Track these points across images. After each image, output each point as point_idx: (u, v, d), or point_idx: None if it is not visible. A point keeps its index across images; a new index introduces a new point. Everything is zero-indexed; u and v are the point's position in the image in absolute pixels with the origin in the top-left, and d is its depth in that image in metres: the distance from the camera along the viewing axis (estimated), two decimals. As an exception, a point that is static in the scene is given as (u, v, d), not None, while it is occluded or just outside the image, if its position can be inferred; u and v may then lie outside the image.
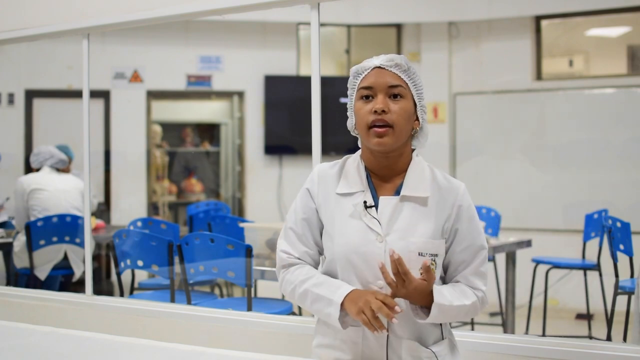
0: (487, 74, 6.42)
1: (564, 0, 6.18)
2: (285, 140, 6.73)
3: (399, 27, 6.96)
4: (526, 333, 4.51)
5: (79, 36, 3.37)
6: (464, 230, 1.76)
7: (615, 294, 3.64)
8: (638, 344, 2.33)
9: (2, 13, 3.59)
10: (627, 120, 5.76)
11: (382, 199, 1.75)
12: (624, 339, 3.56)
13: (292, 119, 6.67)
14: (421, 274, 1.63)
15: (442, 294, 1.68)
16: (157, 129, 7.15)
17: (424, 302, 1.67)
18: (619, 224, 3.78)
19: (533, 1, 6.23)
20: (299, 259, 1.82)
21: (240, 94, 6.92)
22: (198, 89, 6.82)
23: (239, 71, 6.82)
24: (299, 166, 6.66)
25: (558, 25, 6.56)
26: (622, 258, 3.76)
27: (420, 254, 1.70)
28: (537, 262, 4.70)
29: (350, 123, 1.84)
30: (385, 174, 1.79)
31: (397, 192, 1.76)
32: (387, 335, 1.72)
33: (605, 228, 3.91)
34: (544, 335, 4.42)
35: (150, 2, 3.13)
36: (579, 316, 5.32)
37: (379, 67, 1.76)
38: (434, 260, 1.72)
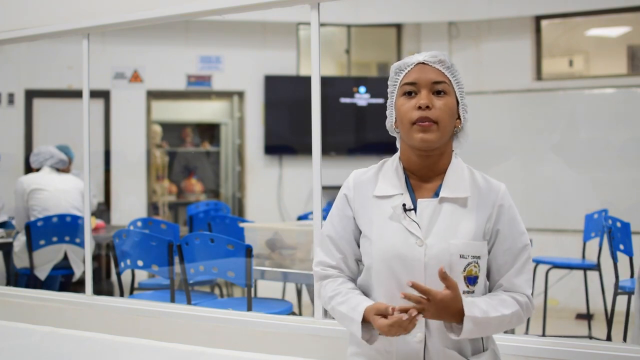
0: (487, 74, 6.42)
1: (564, 0, 6.18)
2: (285, 140, 6.73)
3: (399, 27, 6.95)
4: (526, 333, 4.51)
5: (79, 36, 3.37)
6: (506, 231, 1.72)
7: (615, 294, 3.64)
8: (638, 344, 2.32)
9: (2, 13, 3.59)
10: (627, 120, 5.76)
11: (421, 202, 1.71)
12: (624, 339, 3.56)
13: (292, 119, 6.67)
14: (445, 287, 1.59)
15: (476, 305, 1.62)
16: (157, 129, 7.15)
17: (456, 317, 1.61)
18: (619, 224, 3.78)
19: (533, 1, 6.23)
20: (335, 267, 1.79)
21: (240, 94, 6.92)
22: (198, 89, 6.82)
23: (239, 71, 6.82)
24: (299, 166, 6.66)
25: (558, 25, 6.56)
26: (622, 258, 3.76)
27: (462, 256, 1.66)
28: (537, 262, 4.69)
29: (390, 122, 1.79)
30: (425, 175, 1.74)
31: (436, 194, 1.72)
32: (425, 345, 1.68)
33: (605, 228, 3.91)
34: (544, 335, 4.42)
35: (150, 2, 3.12)
36: (579, 316, 5.32)
37: (422, 63, 1.73)
38: (477, 263, 1.68)
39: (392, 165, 1.79)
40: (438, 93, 1.71)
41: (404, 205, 1.71)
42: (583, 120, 5.97)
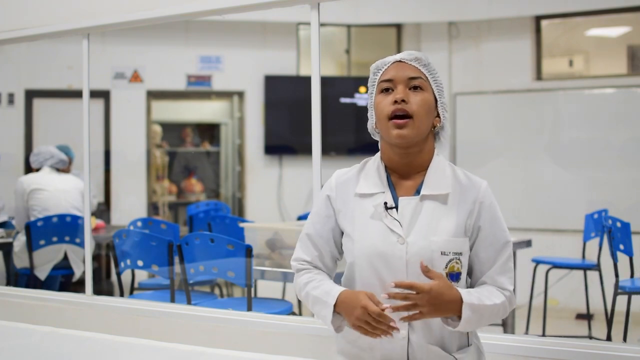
0: (487, 74, 6.42)
1: (564, 0, 6.18)
2: (285, 140, 6.73)
3: (399, 27, 6.95)
4: (526, 333, 4.51)
5: (79, 36, 3.37)
6: (487, 228, 1.72)
7: (615, 294, 3.64)
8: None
9: (2, 13, 3.59)
10: (627, 120, 5.76)
11: (402, 200, 1.72)
12: (624, 339, 3.57)
13: (292, 119, 6.67)
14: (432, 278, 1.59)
15: (470, 294, 1.64)
16: (157, 129, 7.15)
17: (452, 308, 1.61)
18: (619, 224, 3.78)
19: (533, 1, 6.22)
20: (309, 262, 1.82)
21: (240, 94, 6.92)
22: (198, 89, 6.82)
23: (239, 71, 6.82)
24: (299, 166, 6.66)
25: (558, 25, 6.56)
26: (622, 258, 3.76)
27: (443, 253, 1.67)
28: (537, 262, 4.70)
29: (371, 123, 1.81)
30: (405, 172, 1.76)
31: (417, 192, 1.73)
32: (408, 341, 1.68)
33: (605, 228, 3.91)
34: (544, 335, 4.42)
35: (150, 2, 3.12)
36: (579, 316, 5.32)
37: (399, 61, 1.75)
38: (459, 259, 1.69)
39: (373, 164, 1.80)
40: (415, 88, 1.72)
41: (385, 203, 1.72)
42: (583, 120, 5.97)
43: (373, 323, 1.58)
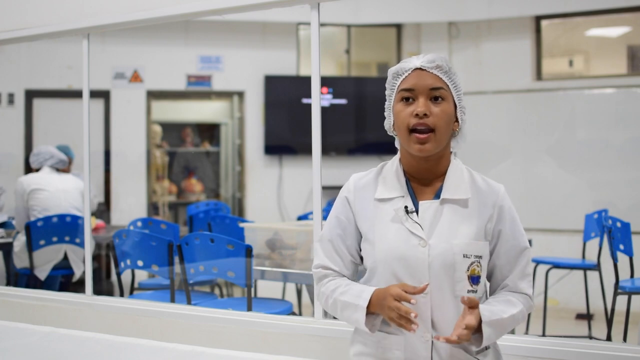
0: (487, 74, 6.42)
1: (564, 0, 6.18)
2: (285, 140, 6.73)
3: (399, 27, 6.95)
4: (526, 333, 4.51)
5: (79, 36, 3.37)
6: (507, 231, 1.74)
7: (615, 294, 3.64)
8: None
9: (2, 13, 3.59)
10: (627, 120, 5.76)
11: (423, 203, 1.72)
12: (624, 339, 3.57)
13: (292, 119, 6.66)
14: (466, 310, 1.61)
15: (490, 311, 1.65)
16: (157, 129, 7.15)
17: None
18: (619, 224, 3.78)
19: (533, 1, 6.23)
20: (333, 270, 1.80)
21: (240, 94, 6.92)
22: (198, 89, 6.82)
23: (239, 71, 6.82)
24: (299, 166, 6.66)
25: (558, 25, 6.56)
26: (622, 258, 3.76)
27: (465, 256, 1.68)
28: (537, 262, 4.70)
29: (388, 123, 1.80)
30: (425, 177, 1.76)
31: (437, 196, 1.74)
32: (432, 343, 1.68)
33: (605, 228, 3.91)
34: (544, 335, 4.42)
35: (150, 2, 3.13)
36: (579, 316, 5.32)
37: (420, 68, 1.72)
38: (479, 262, 1.70)
39: (392, 167, 1.80)
40: (435, 99, 1.71)
41: (405, 207, 1.72)
42: (583, 120, 5.97)
43: (402, 310, 1.57)
